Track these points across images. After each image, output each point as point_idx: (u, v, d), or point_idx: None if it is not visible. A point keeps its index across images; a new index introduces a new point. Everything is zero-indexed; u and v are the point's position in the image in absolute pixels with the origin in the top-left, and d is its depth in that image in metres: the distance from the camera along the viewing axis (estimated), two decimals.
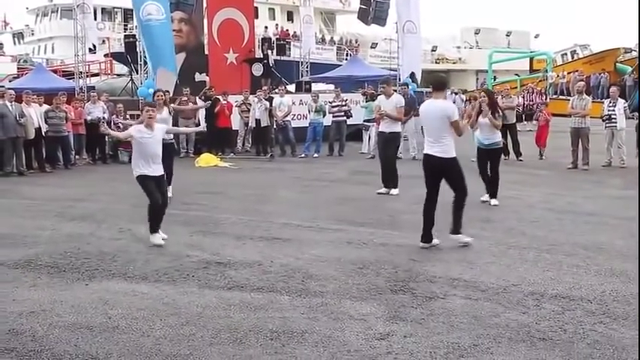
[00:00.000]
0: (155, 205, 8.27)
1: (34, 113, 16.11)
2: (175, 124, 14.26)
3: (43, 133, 16.26)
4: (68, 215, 10.46)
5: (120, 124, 16.38)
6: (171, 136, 11.40)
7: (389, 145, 12.13)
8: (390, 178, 12.11)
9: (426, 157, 8.30)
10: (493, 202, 10.85)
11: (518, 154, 17.01)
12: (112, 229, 9.08)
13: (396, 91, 13.86)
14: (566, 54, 48.07)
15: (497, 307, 5.90)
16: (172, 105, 11.62)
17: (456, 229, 8.21)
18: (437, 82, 8.58)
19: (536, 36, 63.32)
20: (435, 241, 8.12)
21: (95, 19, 34.08)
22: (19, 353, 4.96)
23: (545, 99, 27.23)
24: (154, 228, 8.35)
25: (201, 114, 19.52)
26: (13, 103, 15.65)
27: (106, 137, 16.94)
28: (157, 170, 8.42)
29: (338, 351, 4.94)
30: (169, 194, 10.07)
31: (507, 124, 15.43)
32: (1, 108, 15.41)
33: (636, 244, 7.59)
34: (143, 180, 8.32)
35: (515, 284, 6.55)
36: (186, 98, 18.85)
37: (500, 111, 11.26)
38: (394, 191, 11.98)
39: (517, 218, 9.77)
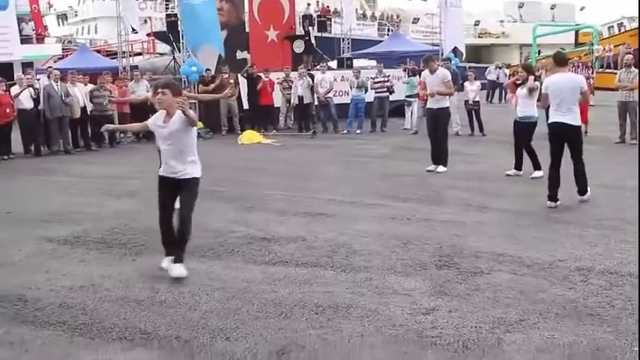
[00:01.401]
0: (160, 215, 6.56)
1: (79, 93, 16.34)
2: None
3: (89, 112, 16.49)
4: (114, 192, 10.62)
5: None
6: None
7: (438, 122, 11.95)
8: (440, 156, 11.99)
9: (555, 126, 8.95)
10: (534, 174, 11.01)
11: None
12: (157, 205, 9.15)
13: (439, 66, 13.67)
14: (612, 26, 46.94)
15: (544, 283, 5.84)
16: (187, 93, 9.69)
17: (583, 190, 9.09)
18: (560, 57, 9.38)
19: (582, 8, 62.01)
20: (559, 202, 8.91)
21: None
22: (70, 326, 5.07)
23: (592, 73, 26.68)
24: (166, 250, 6.51)
25: (243, 91, 19.63)
26: (59, 82, 15.90)
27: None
28: (176, 171, 6.39)
29: (383, 325, 4.95)
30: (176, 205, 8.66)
31: None
32: (48, 88, 15.69)
33: None
34: (159, 181, 6.56)
35: (561, 260, 6.48)
36: (227, 76, 18.96)
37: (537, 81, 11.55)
38: (441, 169, 11.85)
39: (563, 193, 9.62)
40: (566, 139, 8.98)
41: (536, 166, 10.99)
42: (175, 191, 6.43)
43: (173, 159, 6.33)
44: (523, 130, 11.10)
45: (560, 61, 9.33)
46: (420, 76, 15.08)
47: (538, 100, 10.82)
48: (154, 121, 6.46)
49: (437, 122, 11.96)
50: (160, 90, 6.27)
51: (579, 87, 8.97)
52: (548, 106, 9.12)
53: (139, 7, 35.59)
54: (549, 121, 9.11)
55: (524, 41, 50.33)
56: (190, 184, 6.37)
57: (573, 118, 8.89)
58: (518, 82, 11.59)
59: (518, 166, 11.28)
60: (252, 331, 4.89)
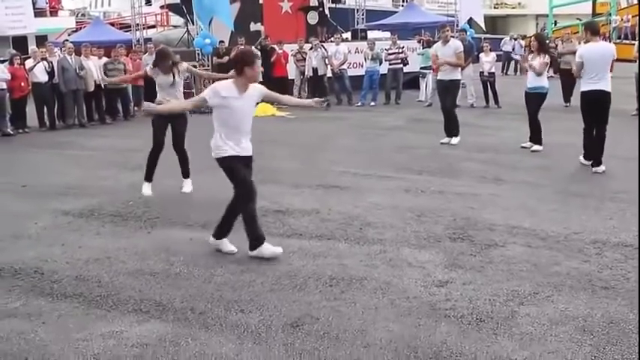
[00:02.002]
0: (249, 191, 6.04)
1: (93, 66, 16.32)
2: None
3: (103, 86, 16.49)
4: (129, 165, 10.64)
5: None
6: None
7: (448, 93, 11.93)
8: (451, 127, 11.95)
9: (589, 94, 9.33)
10: (534, 147, 11.03)
11: None
12: (171, 178, 9.19)
13: (453, 36, 13.56)
14: None
15: (558, 256, 5.83)
16: (188, 66, 8.99)
17: (598, 161, 9.27)
18: (594, 27, 10.22)
19: None
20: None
21: None
22: (86, 298, 5.12)
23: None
24: (254, 233, 6.01)
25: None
26: (73, 56, 15.90)
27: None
28: (247, 149, 6.17)
29: (397, 298, 4.96)
30: (187, 190, 8.64)
31: (569, 69, 15.05)
32: (62, 61, 15.69)
33: None
34: (231, 163, 6.00)
35: (576, 232, 6.46)
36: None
37: (550, 55, 11.56)
38: (454, 140, 11.83)
39: (578, 166, 9.59)
40: (597, 104, 9.27)
41: (539, 141, 11.00)
42: (246, 163, 6.16)
43: (243, 134, 6.10)
44: (532, 100, 11.03)
45: (594, 30, 9.92)
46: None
47: (555, 72, 10.78)
48: (225, 94, 5.85)
49: (448, 93, 11.92)
50: (257, 60, 5.95)
51: (612, 55, 9.50)
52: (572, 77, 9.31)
53: None
54: (582, 90, 9.43)
55: (540, 12, 49.76)
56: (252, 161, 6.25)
57: (606, 85, 9.26)
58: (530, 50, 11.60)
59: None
60: (266, 303, 4.92)
